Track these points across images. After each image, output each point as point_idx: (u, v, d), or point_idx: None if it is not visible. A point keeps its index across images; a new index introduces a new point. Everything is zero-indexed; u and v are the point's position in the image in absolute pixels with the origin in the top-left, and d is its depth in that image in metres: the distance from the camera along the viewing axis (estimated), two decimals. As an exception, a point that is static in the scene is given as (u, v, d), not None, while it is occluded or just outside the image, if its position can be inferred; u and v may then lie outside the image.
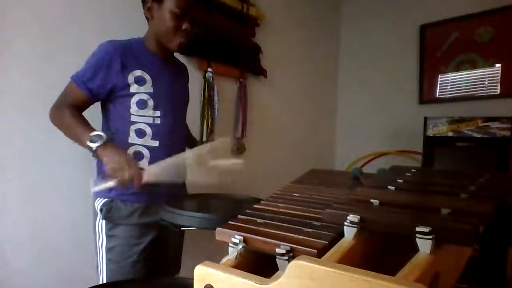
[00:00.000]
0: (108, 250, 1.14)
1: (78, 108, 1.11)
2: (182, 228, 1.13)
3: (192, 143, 1.43)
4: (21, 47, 1.31)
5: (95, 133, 1.03)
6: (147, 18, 1.19)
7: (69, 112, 1.07)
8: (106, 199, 1.15)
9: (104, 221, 1.15)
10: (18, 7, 1.30)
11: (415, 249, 0.46)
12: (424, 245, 0.46)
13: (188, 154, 1.15)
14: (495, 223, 0.56)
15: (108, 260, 1.13)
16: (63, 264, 1.41)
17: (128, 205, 1.15)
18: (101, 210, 1.14)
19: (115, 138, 1.10)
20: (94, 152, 1.02)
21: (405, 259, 0.44)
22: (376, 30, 2.95)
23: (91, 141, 1.01)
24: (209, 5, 1.91)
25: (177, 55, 1.37)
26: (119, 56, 1.10)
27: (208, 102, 1.91)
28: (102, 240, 1.15)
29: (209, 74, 1.92)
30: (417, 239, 0.46)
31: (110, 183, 1.01)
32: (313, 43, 2.85)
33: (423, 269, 0.42)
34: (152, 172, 1.04)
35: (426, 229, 0.46)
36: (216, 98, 1.94)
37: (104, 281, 1.13)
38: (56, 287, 1.39)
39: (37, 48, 1.35)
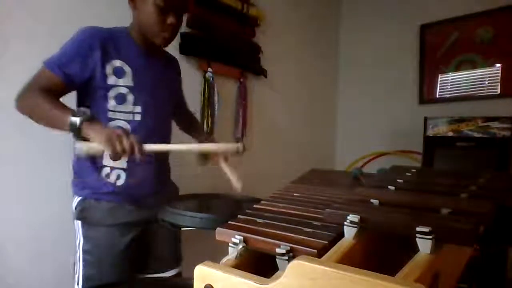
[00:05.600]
0: (85, 251, 1.07)
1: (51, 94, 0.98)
2: (182, 229, 1.12)
3: (198, 134, 1.35)
4: (21, 47, 1.31)
5: (78, 109, 0.94)
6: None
7: (42, 94, 0.95)
8: (80, 198, 1.08)
9: (80, 221, 1.09)
10: (18, 7, 1.30)
11: (415, 249, 0.46)
12: (424, 245, 0.46)
13: (194, 147, 1.12)
14: (495, 223, 0.56)
15: (84, 260, 1.07)
16: (60, 264, 1.40)
17: (102, 204, 1.07)
18: (75, 209, 1.09)
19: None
20: (78, 131, 0.89)
21: (405, 259, 0.44)
22: (376, 30, 2.95)
23: (75, 116, 0.90)
24: (209, 5, 1.91)
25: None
26: (100, 44, 1.01)
27: (208, 102, 1.91)
28: (79, 240, 1.08)
29: (209, 74, 1.92)
30: (417, 239, 0.46)
31: (100, 147, 0.88)
32: (313, 43, 2.85)
33: (423, 269, 0.42)
34: (152, 146, 0.97)
35: (426, 229, 0.46)
36: (216, 98, 1.94)
37: (80, 281, 1.07)
38: (53, 287, 1.38)
39: (37, 48, 1.35)
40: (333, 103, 3.18)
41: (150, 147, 0.95)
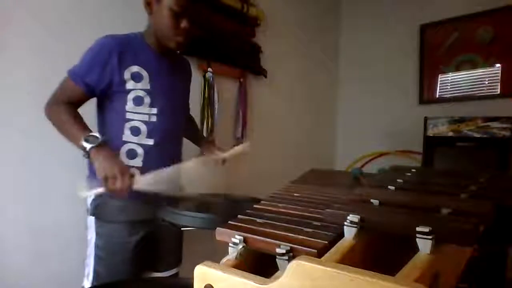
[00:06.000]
0: (97, 246, 1.11)
1: (74, 104, 1.09)
2: (182, 229, 1.12)
3: (198, 139, 1.41)
4: (21, 47, 1.31)
5: (91, 133, 1.01)
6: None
7: (65, 109, 1.05)
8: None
9: (94, 217, 1.12)
10: (18, 7, 1.30)
11: (415, 249, 0.46)
12: (424, 245, 0.46)
13: (186, 165, 1.12)
14: (495, 223, 0.56)
15: (96, 256, 1.11)
16: (60, 264, 1.40)
17: (116, 201, 1.11)
18: (90, 205, 1.12)
19: (110, 138, 1.07)
20: (87, 153, 0.99)
21: (405, 259, 0.44)
22: (376, 30, 2.95)
23: (86, 141, 0.99)
24: (209, 5, 1.91)
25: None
26: (117, 51, 1.07)
27: (208, 102, 1.91)
28: (92, 236, 1.12)
29: (209, 74, 1.92)
30: (417, 239, 0.46)
31: (99, 189, 0.98)
32: (313, 43, 2.85)
33: (423, 269, 0.42)
34: (144, 181, 1.00)
35: (426, 229, 0.46)
36: (216, 98, 1.94)
37: (91, 276, 1.11)
38: (54, 287, 1.38)
39: (37, 48, 1.35)
40: (333, 103, 3.18)
41: (140, 183, 0.99)
